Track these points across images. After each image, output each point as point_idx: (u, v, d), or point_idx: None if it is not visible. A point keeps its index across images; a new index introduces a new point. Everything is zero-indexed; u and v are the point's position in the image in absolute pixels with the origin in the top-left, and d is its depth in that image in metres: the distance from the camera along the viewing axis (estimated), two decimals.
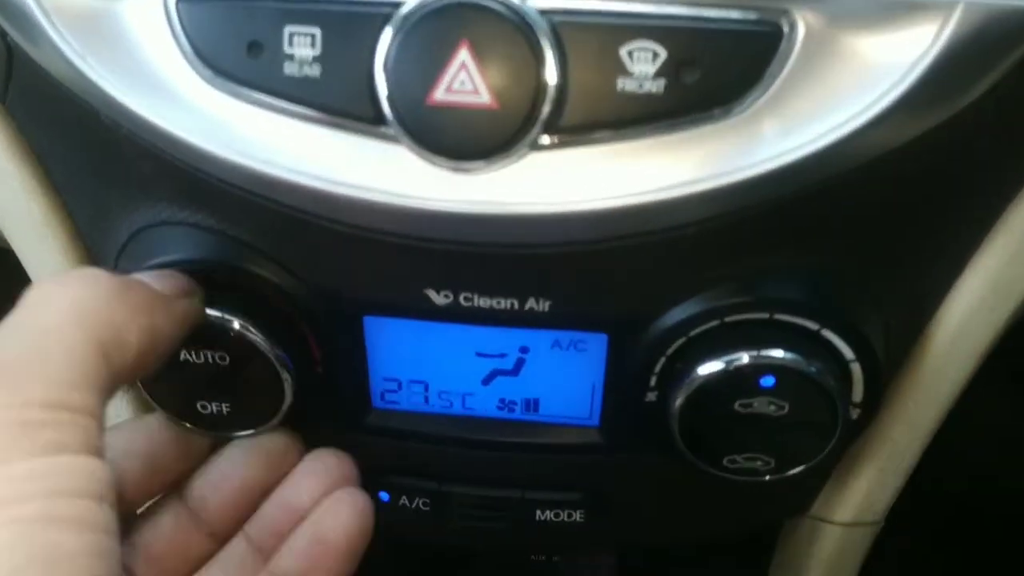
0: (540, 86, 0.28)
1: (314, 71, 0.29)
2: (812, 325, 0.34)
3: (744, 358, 0.34)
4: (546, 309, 0.35)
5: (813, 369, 0.34)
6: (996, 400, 1.13)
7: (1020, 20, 0.28)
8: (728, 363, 0.34)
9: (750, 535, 0.50)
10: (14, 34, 0.33)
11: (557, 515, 0.42)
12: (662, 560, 0.60)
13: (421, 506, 0.43)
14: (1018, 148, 0.34)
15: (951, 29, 0.28)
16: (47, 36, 0.31)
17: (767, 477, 0.37)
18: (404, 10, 0.28)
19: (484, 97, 0.28)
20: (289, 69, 0.29)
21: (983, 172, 0.35)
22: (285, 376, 0.37)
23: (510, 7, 0.28)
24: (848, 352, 0.35)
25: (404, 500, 0.43)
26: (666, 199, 0.30)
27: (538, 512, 0.42)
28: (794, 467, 0.37)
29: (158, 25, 0.30)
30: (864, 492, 0.42)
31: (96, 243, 0.40)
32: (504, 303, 0.35)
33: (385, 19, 0.28)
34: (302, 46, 0.29)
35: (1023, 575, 1.03)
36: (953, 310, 0.38)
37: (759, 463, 0.37)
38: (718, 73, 0.28)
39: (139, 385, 0.38)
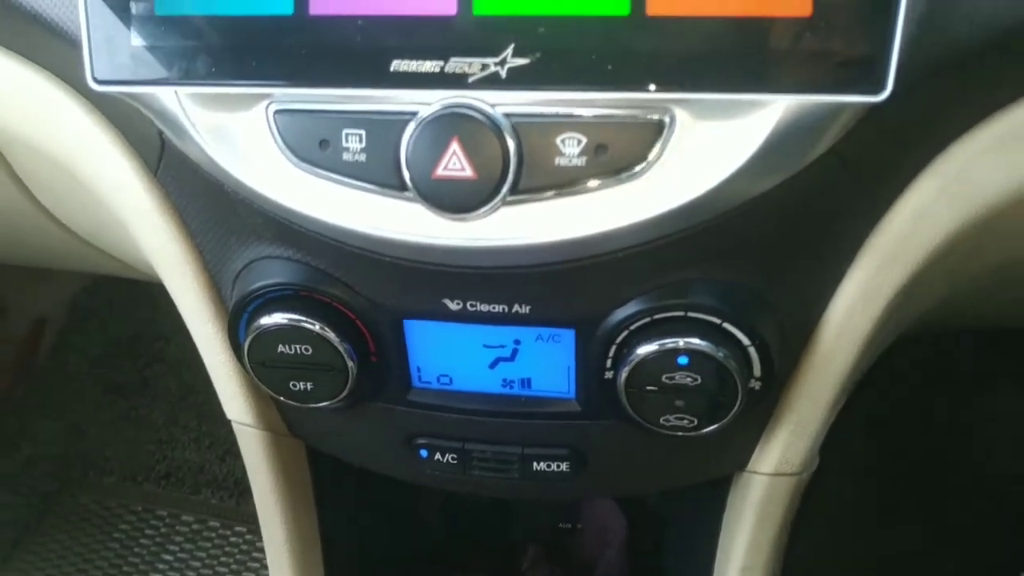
0: (505, 164, 0.43)
1: (362, 157, 0.45)
2: (715, 320, 0.48)
3: (666, 344, 0.48)
4: (527, 312, 0.50)
5: (718, 352, 0.48)
6: (1010, 395, 1.22)
7: (827, 110, 0.41)
8: (656, 347, 0.48)
9: (708, 488, 0.63)
10: (167, 132, 0.50)
11: (549, 466, 0.57)
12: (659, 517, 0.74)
13: (450, 460, 0.58)
14: (865, 191, 0.47)
15: (778, 117, 0.41)
16: (191, 136, 0.47)
17: (693, 432, 0.51)
18: (418, 118, 0.43)
19: (468, 172, 0.43)
20: (346, 157, 0.45)
21: (843, 208, 0.48)
22: (350, 364, 0.53)
23: (485, 114, 0.43)
24: (745, 339, 0.48)
25: (437, 456, 0.58)
26: (595, 234, 0.44)
27: (534, 464, 0.57)
28: (712, 424, 0.50)
29: (262, 129, 0.46)
30: (782, 449, 0.56)
31: (218, 273, 0.57)
32: (498, 308, 0.50)
33: (406, 123, 0.44)
34: (354, 141, 0.45)
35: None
36: (836, 310, 0.51)
37: (686, 421, 0.50)
38: (622, 151, 0.42)
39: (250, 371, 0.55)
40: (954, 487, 1.19)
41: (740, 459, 0.58)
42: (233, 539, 1.35)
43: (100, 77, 0.47)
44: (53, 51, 0.51)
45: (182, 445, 1.45)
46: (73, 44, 0.48)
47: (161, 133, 0.52)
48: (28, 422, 1.49)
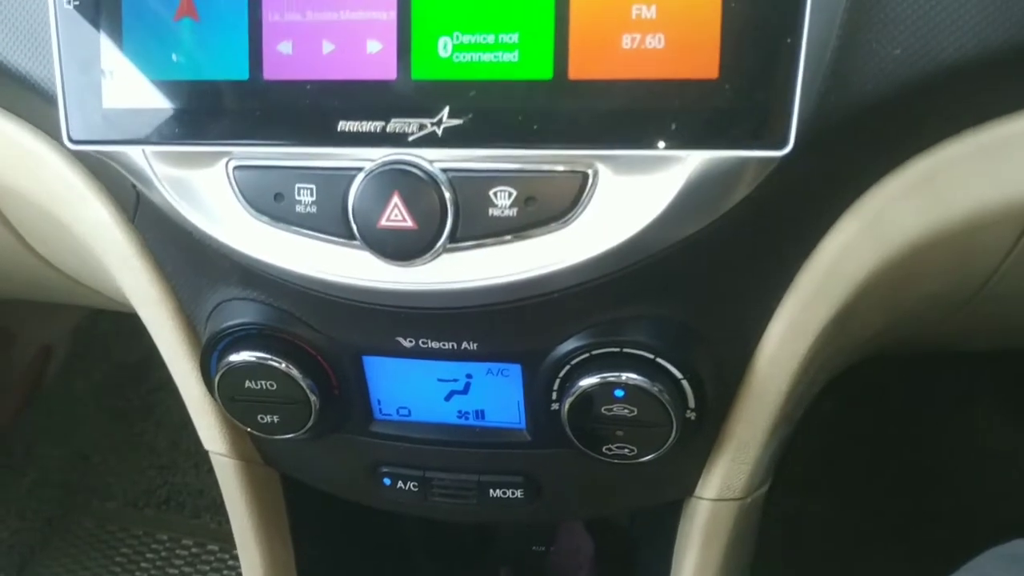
0: (443, 215, 0.46)
1: (313, 209, 0.48)
2: (649, 355, 0.51)
3: (605, 378, 0.51)
4: (476, 348, 0.53)
5: (653, 386, 0.51)
6: (989, 417, 1.24)
7: (735, 163, 0.44)
8: (594, 381, 0.51)
9: (665, 512, 0.66)
10: (139, 186, 0.53)
11: (504, 493, 0.60)
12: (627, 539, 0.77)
13: (411, 488, 0.61)
14: (784, 235, 0.51)
15: (691, 170, 0.44)
16: (158, 189, 0.51)
17: (634, 461, 0.54)
18: (363, 172, 0.47)
19: (409, 223, 0.47)
20: (299, 208, 0.48)
21: (765, 251, 0.51)
22: (313, 398, 0.56)
23: (423, 170, 0.46)
24: (678, 373, 0.52)
25: (400, 484, 0.61)
26: (529, 278, 0.47)
27: (491, 491, 0.60)
28: (651, 453, 0.53)
29: (222, 183, 0.50)
30: (723, 475, 0.58)
31: (192, 312, 0.60)
32: (448, 344, 0.53)
33: (352, 178, 0.47)
34: (306, 195, 0.48)
35: None
36: (768, 344, 0.54)
37: (627, 450, 0.54)
38: (550, 202, 0.46)
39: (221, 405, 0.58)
40: (931, 510, 1.21)
41: (687, 485, 0.61)
42: (232, 563, 1.38)
43: (75, 137, 0.51)
44: (34, 106, 0.55)
45: (183, 470, 1.48)
46: (51, 101, 0.52)
47: (134, 185, 0.56)
48: (34, 448, 1.54)
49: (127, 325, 1.70)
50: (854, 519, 1.21)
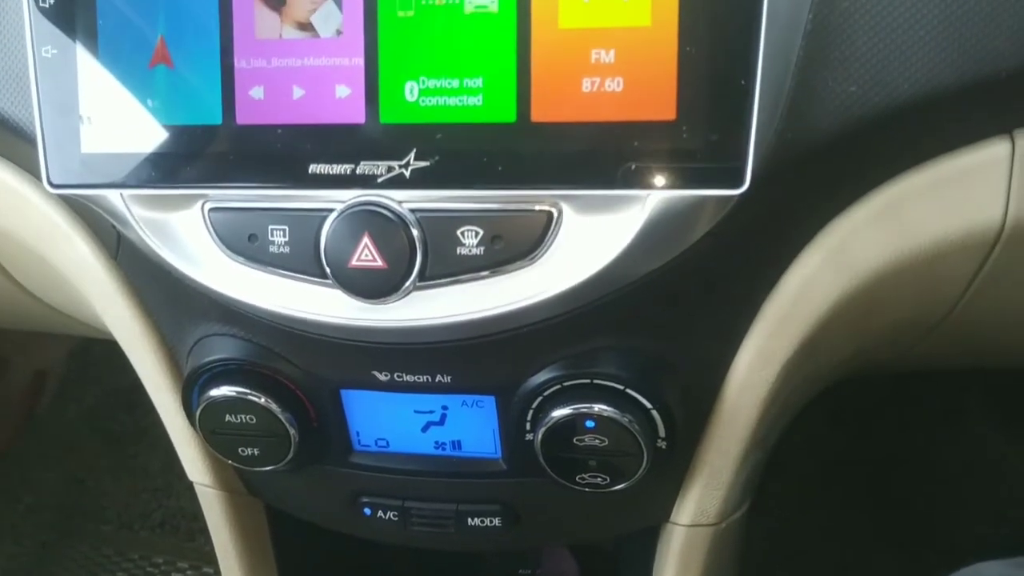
0: (412, 255, 0.47)
1: (286, 250, 0.49)
2: (619, 386, 0.52)
3: (576, 409, 0.52)
4: (449, 381, 0.54)
5: (623, 417, 0.52)
6: (980, 432, 1.25)
7: (694, 202, 0.45)
8: (566, 412, 0.52)
9: (645, 538, 0.67)
10: (119, 227, 0.54)
11: (483, 521, 0.61)
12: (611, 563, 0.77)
13: (391, 517, 0.62)
14: (747, 268, 0.52)
15: (651, 208, 0.45)
16: (136, 231, 0.52)
17: (607, 489, 0.55)
18: (334, 214, 0.48)
19: (379, 263, 0.48)
20: (272, 248, 0.50)
21: (729, 283, 0.52)
22: (292, 431, 0.57)
23: (392, 211, 0.47)
24: (647, 403, 0.53)
25: (380, 513, 0.62)
26: (497, 315, 0.48)
27: (469, 520, 0.61)
28: (623, 482, 0.54)
29: (198, 225, 0.51)
30: (697, 502, 0.59)
31: (174, 347, 0.62)
32: (422, 378, 0.54)
33: (323, 219, 0.48)
34: (279, 235, 0.49)
35: None
36: (736, 372, 0.55)
37: (599, 479, 0.54)
38: (516, 241, 0.47)
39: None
40: (925, 519, 1.21)
41: (661, 511, 0.62)
42: None
43: (55, 181, 0.52)
44: (18, 148, 0.57)
45: (177, 493, 1.49)
46: (34, 144, 0.53)
47: (114, 226, 0.57)
48: (29, 472, 1.54)
49: (119, 350, 1.72)
50: (846, 532, 1.22)
